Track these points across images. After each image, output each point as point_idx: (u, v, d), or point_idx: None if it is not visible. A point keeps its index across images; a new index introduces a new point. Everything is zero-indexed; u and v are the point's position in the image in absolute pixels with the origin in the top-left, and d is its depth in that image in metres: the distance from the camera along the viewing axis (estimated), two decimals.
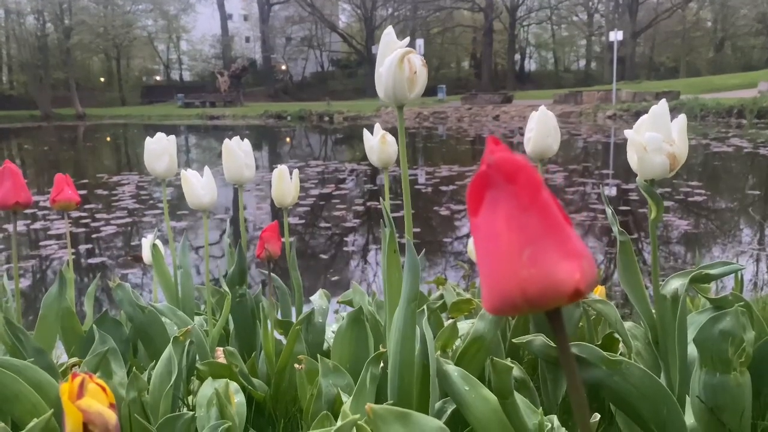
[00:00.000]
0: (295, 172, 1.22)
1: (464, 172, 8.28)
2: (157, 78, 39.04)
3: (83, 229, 5.30)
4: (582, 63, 41.33)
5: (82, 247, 4.72)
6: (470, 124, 17.95)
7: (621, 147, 11.81)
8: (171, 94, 31.63)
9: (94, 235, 5.12)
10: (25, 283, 3.94)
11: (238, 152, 1.16)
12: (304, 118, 22.01)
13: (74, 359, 1.12)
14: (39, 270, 4.27)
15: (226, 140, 1.17)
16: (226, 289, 1.10)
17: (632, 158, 0.74)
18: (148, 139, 1.14)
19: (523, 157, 0.25)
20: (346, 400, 0.82)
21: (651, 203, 0.75)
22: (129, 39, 33.73)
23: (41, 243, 4.90)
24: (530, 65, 41.90)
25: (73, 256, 4.49)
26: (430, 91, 26.78)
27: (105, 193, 7.19)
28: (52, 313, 1.07)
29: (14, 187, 1.01)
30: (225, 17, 36.28)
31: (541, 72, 40.62)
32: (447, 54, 37.99)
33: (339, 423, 0.63)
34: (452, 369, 0.73)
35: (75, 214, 5.85)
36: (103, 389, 0.43)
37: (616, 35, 18.71)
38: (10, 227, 5.61)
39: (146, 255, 1.52)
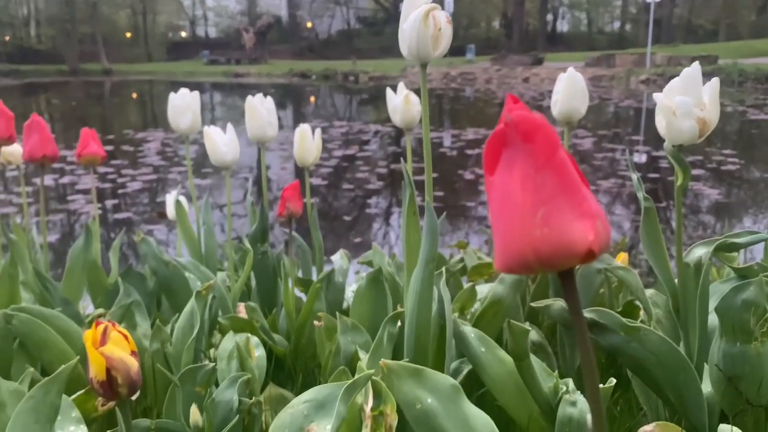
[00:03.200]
0: (318, 131, 1.22)
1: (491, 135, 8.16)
2: (183, 34, 38.91)
3: (109, 185, 5.38)
4: (616, 24, 40.06)
5: (109, 203, 4.80)
6: (499, 86, 17.63)
7: (653, 113, 11.41)
8: (196, 51, 31.56)
9: (120, 191, 5.21)
10: (53, 236, 4.04)
11: (261, 110, 1.15)
12: (329, 77, 21.83)
13: (100, 310, 1.16)
14: (67, 224, 4.37)
15: (249, 98, 1.16)
16: (249, 246, 1.11)
17: (660, 123, 0.72)
18: (172, 94, 1.14)
19: (541, 116, 0.24)
20: (364, 357, 0.83)
21: (678, 169, 0.73)
22: None
23: (69, 197, 5.00)
24: (562, 26, 40.77)
25: (100, 211, 4.59)
26: (458, 50, 26.24)
27: (131, 149, 7.27)
28: (78, 265, 1.09)
29: (42, 140, 1.02)
30: None
31: (573, 33, 39.50)
32: (477, 12, 37.09)
33: (355, 377, 0.64)
34: (469, 330, 0.74)
35: (101, 169, 5.94)
36: (125, 337, 0.45)
37: None
38: (38, 180, 5.72)
39: (170, 211, 1.54)
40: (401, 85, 1.04)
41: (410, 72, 20.94)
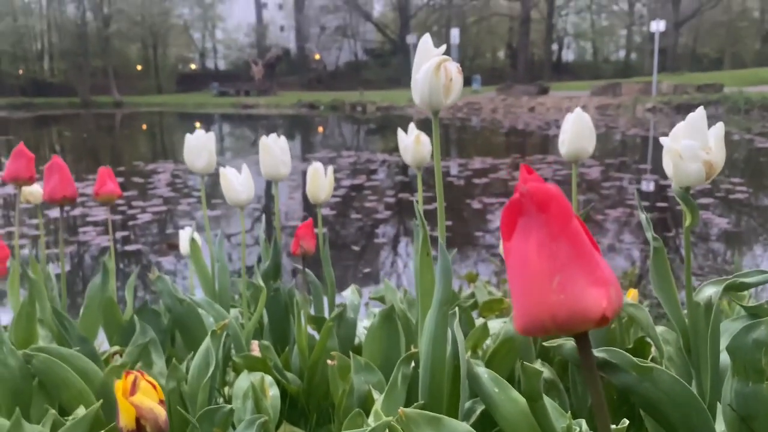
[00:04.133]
0: (330, 168, 1.24)
1: (497, 164, 8.21)
2: (193, 66, 39.62)
3: (120, 216, 5.44)
4: (621, 54, 40.42)
5: (119, 234, 4.84)
6: (505, 115, 17.76)
7: (660, 141, 11.51)
8: (206, 83, 32.08)
9: (130, 222, 5.25)
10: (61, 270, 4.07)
11: (275, 148, 1.18)
12: (337, 108, 22.07)
13: (116, 348, 1.17)
14: (77, 255, 4.41)
15: (263, 138, 1.19)
16: (261, 282, 1.13)
17: (668, 165, 0.74)
18: (188, 135, 1.17)
19: (555, 187, 0.26)
20: (378, 397, 0.84)
21: (686, 210, 0.74)
22: (165, 27, 34.31)
23: (80, 229, 5.05)
24: (568, 55, 41.18)
25: (109, 243, 4.62)
26: (465, 81, 26.54)
27: (141, 180, 7.35)
28: (95, 303, 1.11)
29: (62, 181, 1.05)
30: (260, 6, 36.54)
31: (578, 62, 39.89)
32: (482, 43, 37.59)
33: (372, 423, 0.65)
34: (482, 371, 0.75)
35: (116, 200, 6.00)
36: (154, 386, 0.46)
37: (657, 25, 18.23)
38: (50, 213, 5.80)
39: (183, 246, 1.56)
40: (412, 126, 1.07)
41: None
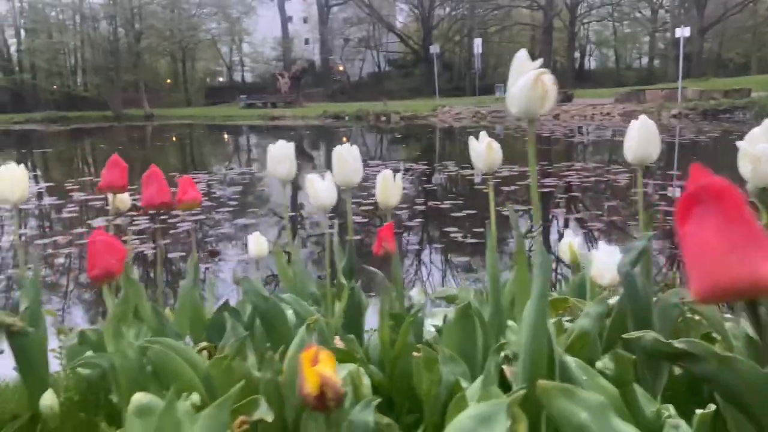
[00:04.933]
0: (399, 175, 1.31)
1: (524, 172, 8.24)
2: (220, 79, 40.33)
3: (161, 225, 5.58)
4: (644, 60, 40.06)
5: (163, 242, 4.98)
6: None
7: (687, 147, 11.43)
8: (234, 95, 32.61)
9: (171, 231, 5.39)
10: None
11: (348, 158, 1.26)
12: (361, 118, 22.24)
13: (204, 344, 1.25)
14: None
15: (338, 147, 1.27)
16: (343, 281, 1.20)
17: (745, 167, 0.79)
18: (270, 145, 1.25)
19: (726, 180, 0.32)
20: (465, 385, 0.90)
21: (762, 209, 0.80)
22: (194, 42, 35.05)
23: (124, 238, 5.19)
24: (590, 63, 40.93)
25: (153, 251, 4.76)
26: (487, 89, 26.55)
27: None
28: (187, 302, 1.19)
29: (159, 189, 1.13)
30: (285, 20, 37.08)
31: (601, 70, 39.61)
32: (505, 52, 37.57)
33: (473, 408, 0.70)
34: (571, 360, 0.80)
35: (152, 210, 6.17)
36: (331, 361, 0.53)
37: (683, 31, 18.07)
38: (94, 222, 5.98)
39: (252, 248, 1.64)
40: (483, 134, 1.14)
41: (440, 112, 21.24)
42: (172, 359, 0.94)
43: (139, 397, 0.72)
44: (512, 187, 7.12)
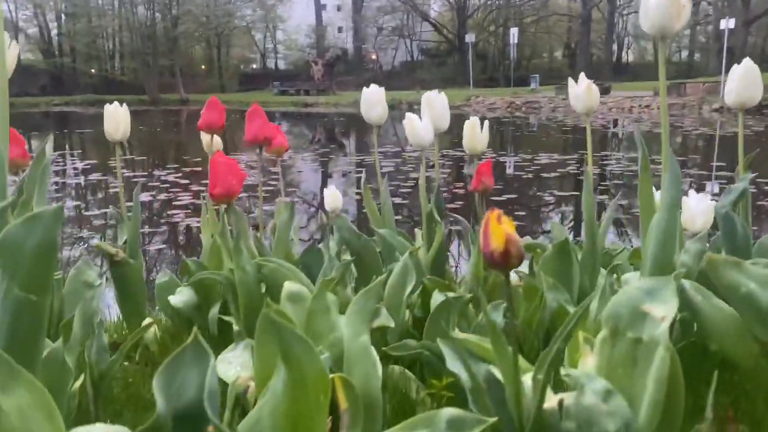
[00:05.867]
0: (486, 123, 1.33)
1: (563, 160, 8.18)
2: (254, 66, 40.66)
3: (204, 202, 5.69)
4: (684, 54, 39.12)
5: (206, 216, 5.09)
6: (566, 114, 17.51)
7: (728, 141, 11.18)
8: (267, 82, 32.84)
9: (216, 207, 5.50)
10: (157, 246, 4.32)
11: (437, 104, 1.28)
12: (394, 107, 22.24)
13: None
14: (171, 233, 4.67)
15: (427, 93, 1.30)
16: (438, 219, 1.23)
17: None
18: (364, 89, 1.29)
19: None
20: (571, 309, 0.92)
21: None
22: (229, 28, 35.40)
23: (168, 212, 5.32)
24: (627, 56, 40.15)
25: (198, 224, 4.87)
26: (522, 80, 26.27)
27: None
28: (284, 237, 1.24)
29: (262, 125, 1.18)
30: (319, 7, 37.17)
31: (639, 63, 38.81)
32: (540, 43, 37.09)
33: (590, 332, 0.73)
34: (685, 282, 0.82)
35: (196, 187, 6.30)
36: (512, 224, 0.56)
37: (727, 23, 17.60)
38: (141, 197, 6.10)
39: (328, 201, 1.68)
40: (582, 75, 1.15)
41: (474, 102, 21.11)
42: (286, 277, 0.98)
43: (289, 285, 0.76)
44: (551, 174, 7.08)
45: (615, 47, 37.21)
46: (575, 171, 7.30)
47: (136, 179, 7.09)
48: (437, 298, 1.00)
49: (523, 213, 5.17)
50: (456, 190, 6.22)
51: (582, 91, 1.12)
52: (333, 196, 1.70)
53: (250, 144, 1.18)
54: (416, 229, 1.46)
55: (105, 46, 36.12)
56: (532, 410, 0.53)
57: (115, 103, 1.34)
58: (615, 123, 14.95)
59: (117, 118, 1.30)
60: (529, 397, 0.54)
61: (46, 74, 34.49)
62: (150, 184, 6.72)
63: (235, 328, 0.98)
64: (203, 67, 37.75)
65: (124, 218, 1.37)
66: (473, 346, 0.66)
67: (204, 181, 6.82)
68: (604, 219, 1.11)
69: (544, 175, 7.07)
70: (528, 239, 1.40)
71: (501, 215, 0.54)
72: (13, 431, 0.41)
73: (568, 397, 0.52)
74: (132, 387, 1.01)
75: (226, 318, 1.07)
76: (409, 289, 0.99)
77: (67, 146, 13.07)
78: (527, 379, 0.56)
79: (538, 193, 6.05)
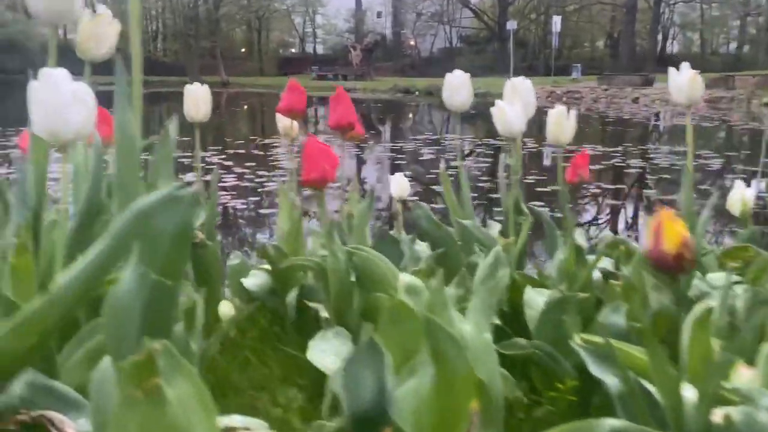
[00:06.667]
0: (573, 112, 1.29)
1: (607, 152, 8.00)
2: (293, 50, 40.79)
3: (248, 184, 5.73)
4: (732, 46, 37.82)
5: (252, 199, 5.13)
6: (607, 105, 17.14)
7: None
8: (305, 66, 32.91)
9: (259, 189, 5.53)
10: None
11: (524, 90, 1.24)
12: (432, 93, 22.02)
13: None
14: (221, 216, 4.73)
15: (512, 79, 1.25)
16: (527, 212, 1.20)
17: None
18: (447, 75, 1.25)
19: None
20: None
21: None
22: (270, 11, 35.57)
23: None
24: (672, 47, 39.02)
25: (244, 206, 4.92)
26: (562, 70, 25.76)
27: (261, 153, 7.70)
28: (363, 224, 1.22)
29: (346, 110, 1.15)
30: None
31: (684, 54, 37.65)
32: (581, 32, 36.31)
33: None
34: None
35: (238, 169, 6.36)
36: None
37: None
38: (185, 177, 6.19)
39: (394, 189, 1.66)
40: (685, 64, 1.10)
41: None
42: (377, 266, 0.97)
43: (405, 278, 0.74)
44: (595, 166, 6.94)
45: (660, 37, 36.19)
46: (620, 164, 7.14)
47: (180, 159, 7.19)
48: (531, 294, 0.97)
49: (571, 205, 5.07)
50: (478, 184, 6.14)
51: (685, 81, 1.06)
52: (400, 184, 1.68)
53: (334, 129, 1.16)
54: (490, 220, 1.43)
55: (148, 27, 36.68)
56: (695, 424, 0.50)
57: (196, 83, 1.33)
58: (657, 116, 14.57)
59: (197, 98, 1.29)
60: (688, 409, 0.51)
61: None
62: (194, 165, 6.79)
63: (323, 314, 0.97)
64: (243, 50, 38.03)
65: (201, 201, 1.36)
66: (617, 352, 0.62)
67: (247, 164, 6.88)
68: (701, 218, 1.06)
69: (590, 167, 6.92)
70: (610, 234, 1.36)
71: (674, 215, 0.51)
72: (176, 422, 0.40)
73: (736, 413, 0.49)
74: (218, 371, 1.01)
75: (311, 304, 1.06)
76: (501, 284, 0.96)
77: None
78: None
79: (583, 185, 5.93)
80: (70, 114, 0.66)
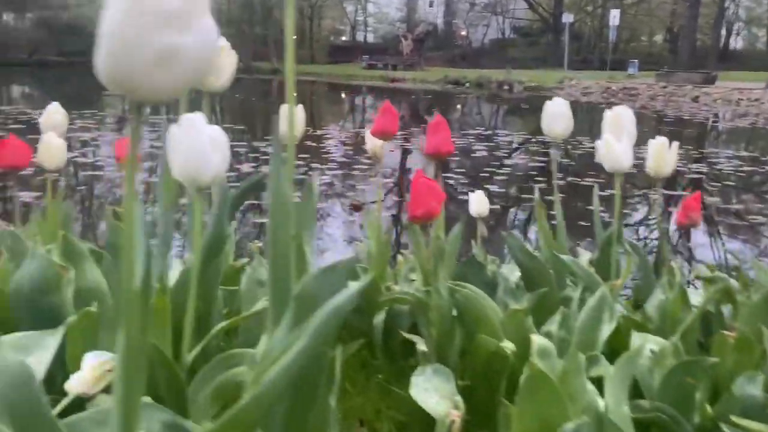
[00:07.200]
0: (675, 144, 1.24)
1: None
2: (343, 38, 40.91)
3: (301, 176, 5.79)
4: None
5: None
6: (665, 103, 16.59)
7: None
8: (355, 55, 32.96)
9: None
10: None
11: (626, 121, 1.20)
12: (482, 85, 21.76)
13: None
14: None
15: (613, 110, 1.22)
16: (629, 247, 1.17)
17: None
18: (547, 102, 1.23)
19: None
20: None
21: None
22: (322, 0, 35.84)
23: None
24: (736, 43, 37.46)
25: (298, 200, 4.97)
26: (618, 64, 25.04)
27: (313, 144, 7.76)
28: (454, 250, 1.21)
29: (445, 139, 1.14)
30: None
31: (748, 51, 36.13)
32: (640, 26, 35.20)
33: None
34: None
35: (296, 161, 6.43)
36: None
37: None
38: (241, 167, 6.30)
39: (474, 207, 1.63)
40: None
41: (567, 84, 20.34)
42: (479, 304, 0.96)
43: (537, 339, 0.74)
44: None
45: (723, 33, 34.77)
46: (680, 168, 6.92)
47: (236, 148, 7.30)
48: (637, 341, 0.94)
49: (628, 212, 4.96)
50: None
51: None
52: (479, 201, 1.65)
53: (430, 157, 1.16)
54: (578, 248, 1.40)
55: None
56: None
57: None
58: (716, 117, 14.02)
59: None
60: None
61: None
62: (250, 154, 6.90)
63: (422, 348, 0.97)
64: (294, 37, 38.16)
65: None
66: None
67: (302, 155, 6.93)
68: None
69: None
70: (703, 268, 1.31)
71: None
72: None
73: None
74: None
75: (408, 336, 1.06)
76: (606, 330, 0.94)
77: (164, 108, 13.61)
78: None
79: (643, 190, 5.78)
80: (209, 158, 0.68)
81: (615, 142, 1.09)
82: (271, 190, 0.57)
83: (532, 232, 4.64)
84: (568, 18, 23.01)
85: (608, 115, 1.22)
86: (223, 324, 0.85)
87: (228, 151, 0.73)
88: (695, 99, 17.34)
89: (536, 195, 1.36)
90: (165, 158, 0.73)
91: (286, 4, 0.69)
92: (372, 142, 1.42)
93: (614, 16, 21.78)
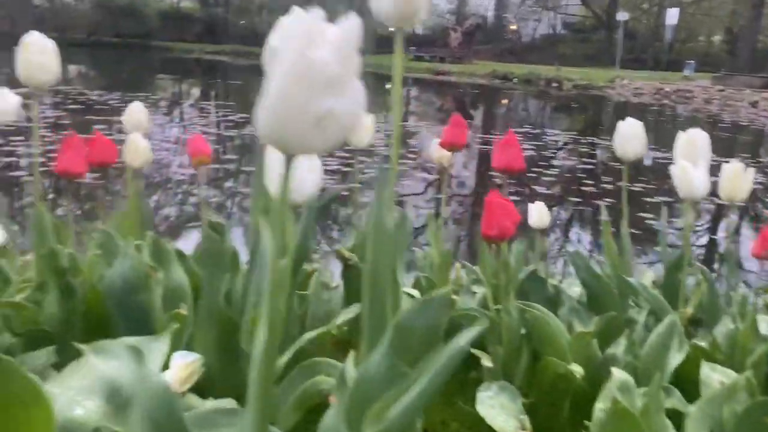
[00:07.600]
0: (750, 170, 1.22)
1: (722, 162, 7.53)
2: (391, 29, 40.75)
3: (349, 169, 5.84)
4: None
5: (353, 186, 5.24)
6: (721, 108, 16.02)
7: None
8: (403, 46, 32.82)
9: (359, 176, 5.63)
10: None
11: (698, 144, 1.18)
12: (531, 82, 21.41)
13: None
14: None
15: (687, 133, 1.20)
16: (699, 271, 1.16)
17: None
18: (620, 123, 1.22)
19: None
20: None
21: None
22: None
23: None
24: None
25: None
26: (673, 65, 24.30)
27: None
28: (519, 264, 1.22)
29: (516, 156, 1.15)
30: None
31: None
32: (697, 26, 34.05)
33: None
34: None
35: (340, 152, 6.48)
36: None
37: None
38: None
39: (534, 219, 1.63)
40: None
41: (618, 83, 19.85)
42: (548, 326, 0.97)
43: (618, 374, 0.75)
44: (712, 178, 6.55)
45: None
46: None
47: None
48: (707, 372, 0.94)
49: (680, 219, 4.84)
50: (602, 184, 5.95)
51: None
52: (540, 213, 1.65)
53: (499, 171, 1.16)
54: (643, 265, 1.39)
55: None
56: None
57: None
58: None
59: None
60: None
61: (201, 22, 36.74)
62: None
63: (487, 364, 0.98)
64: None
65: (354, 224, 1.41)
66: None
67: (347, 147, 6.99)
68: None
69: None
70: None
71: None
72: None
73: None
74: None
75: (474, 351, 1.07)
76: (676, 358, 0.94)
77: (215, 94, 13.88)
78: None
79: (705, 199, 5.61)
80: (305, 182, 0.71)
81: (692, 169, 1.08)
82: (372, 217, 0.59)
83: (573, 233, 4.59)
84: (623, 16, 22.40)
85: (682, 137, 1.20)
86: (313, 333, 0.89)
87: (321, 172, 0.76)
88: (754, 104, 16.71)
89: (603, 213, 1.35)
90: (257, 176, 0.76)
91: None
92: (439, 153, 1.44)
93: (672, 15, 21.11)
